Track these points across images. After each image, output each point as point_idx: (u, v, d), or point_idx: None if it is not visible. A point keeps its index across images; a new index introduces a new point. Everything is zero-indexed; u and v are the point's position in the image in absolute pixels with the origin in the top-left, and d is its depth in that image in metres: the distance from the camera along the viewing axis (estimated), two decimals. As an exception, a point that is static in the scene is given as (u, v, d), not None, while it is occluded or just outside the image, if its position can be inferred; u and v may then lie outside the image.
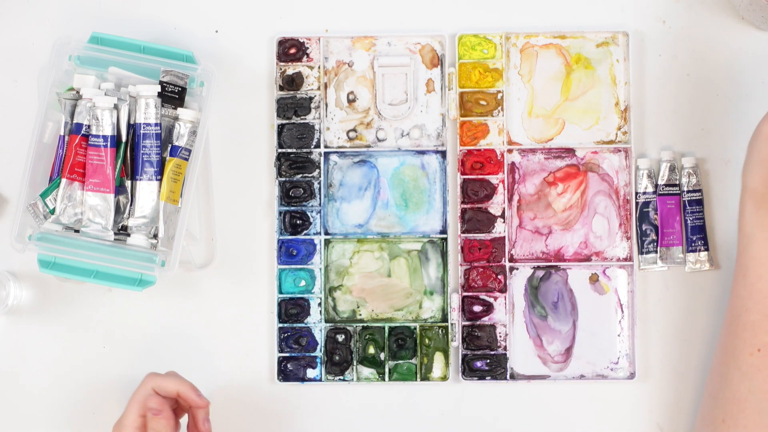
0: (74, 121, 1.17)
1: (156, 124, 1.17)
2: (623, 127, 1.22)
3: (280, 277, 1.22)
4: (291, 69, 1.23)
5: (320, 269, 1.22)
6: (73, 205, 1.16)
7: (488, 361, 1.21)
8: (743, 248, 1.12)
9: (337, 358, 1.21)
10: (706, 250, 1.20)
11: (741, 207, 1.12)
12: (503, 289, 1.22)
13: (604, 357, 1.22)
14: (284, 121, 1.22)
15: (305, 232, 1.22)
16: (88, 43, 1.18)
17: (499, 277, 1.22)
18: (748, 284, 1.11)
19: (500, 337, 1.21)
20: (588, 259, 1.22)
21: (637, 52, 1.23)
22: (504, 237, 1.22)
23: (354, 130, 1.23)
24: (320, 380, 1.21)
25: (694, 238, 1.20)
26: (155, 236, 1.17)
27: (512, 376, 1.22)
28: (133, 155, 1.17)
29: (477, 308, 1.21)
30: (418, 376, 1.21)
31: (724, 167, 1.22)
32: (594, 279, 1.22)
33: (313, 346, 1.22)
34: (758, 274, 1.11)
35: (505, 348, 1.21)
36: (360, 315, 1.22)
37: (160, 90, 1.17)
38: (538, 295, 1.22)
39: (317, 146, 1.22)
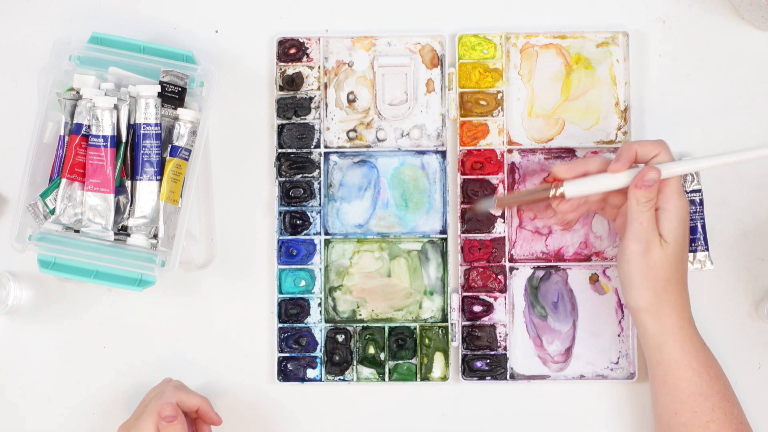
0: (74, 121, 1.17)
1: (156, 124, 1.17)
2: (623, 127, 1.22)
3: (280, 277, 1.22)
4: (291, 69, 1.23)
5: (320, 269, 1.22)
6: (73, 205, 1.16)
7: (488, 361, 1.21)
8: (657, 359, 1.12)
9: (337, 358, 1.21)
10: (706, 250, 1.20)
11: (640, 326, 1.12)
12: (503, 289, 1.21)
13: (604, 357, 1.22)
14: (284, 121, 1.22)
15: (305, 232, 1.22)
16: (88, 43, 1.18)
17: (499, 277, 1.21)
18: (670, 389, 1.12)
19: (500, 337, 1.21)
20: (588, 259, 1.22)
21: (637, 52, 1.22)
22: (504, 237, 1.22)
23: (354, 130, 1.23)
24: (320, 380, 1.21)
25: (694, 238, 1.20)
26: (155, 236, 1.17)
27: (512, 376, 1.22)
28: (133, 155, 1.17)
29: (477, 308, 1.21)
30: (418, 376, 1.21)
31: (724, 167, 1.22)
32: (594, 279, 1.22)
33: (313, 346, 1.22)
34: (678, 376, 1.11)
35: (505, 348, 1.21)
36: (360, 315, 1.22)
37: (160, 90, 1.17)
38: (538, 295, 1.22)
39: (317, 146, 1.22)
